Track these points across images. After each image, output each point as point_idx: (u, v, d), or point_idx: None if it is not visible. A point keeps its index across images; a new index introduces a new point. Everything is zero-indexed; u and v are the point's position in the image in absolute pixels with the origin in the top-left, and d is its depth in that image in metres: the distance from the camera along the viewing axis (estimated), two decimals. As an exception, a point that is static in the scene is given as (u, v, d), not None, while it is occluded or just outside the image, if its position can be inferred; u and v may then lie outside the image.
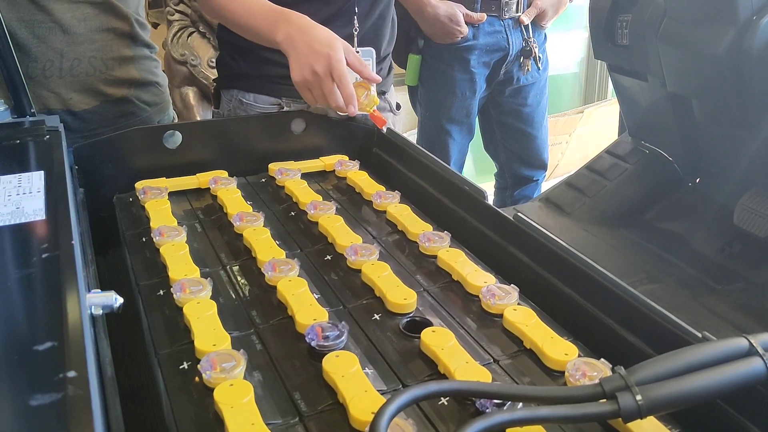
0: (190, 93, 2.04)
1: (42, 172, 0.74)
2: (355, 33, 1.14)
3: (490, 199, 0.92)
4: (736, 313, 0.99)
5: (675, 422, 0.57)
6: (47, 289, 0.53)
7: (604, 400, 0.52)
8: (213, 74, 2.01)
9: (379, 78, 1.03)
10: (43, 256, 0.57)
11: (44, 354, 0.45)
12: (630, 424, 0.54)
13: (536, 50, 1.81)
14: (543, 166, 1.99)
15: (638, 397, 0.50)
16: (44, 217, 0.64)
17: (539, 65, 1.85)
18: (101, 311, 0.58)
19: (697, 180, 1.34)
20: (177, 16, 2.02)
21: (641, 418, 0.51)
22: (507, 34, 1.78)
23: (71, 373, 0.43)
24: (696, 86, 1.14)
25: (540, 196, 1.54)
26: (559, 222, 1.34)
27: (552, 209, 1.39)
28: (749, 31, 0.98)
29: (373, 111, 1.06)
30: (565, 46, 2.99)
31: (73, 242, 0.59)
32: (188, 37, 2.02)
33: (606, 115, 2.79)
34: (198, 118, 2.03)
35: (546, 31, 1.92)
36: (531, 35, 1.81)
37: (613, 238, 1.27)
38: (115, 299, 0.62)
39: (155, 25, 2.47)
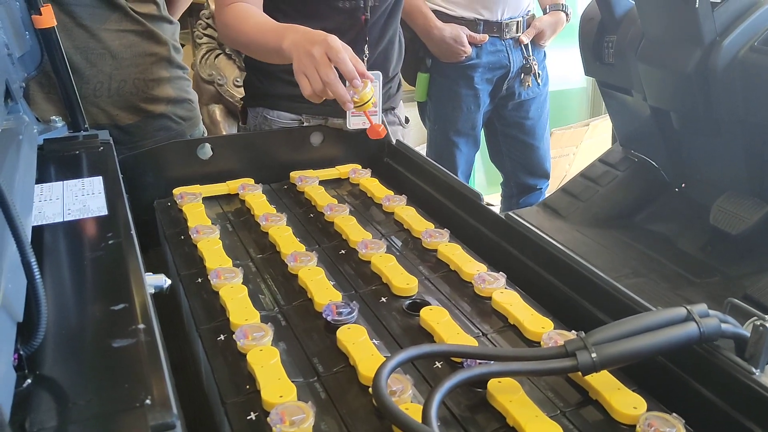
0: (217, 110, 2.19)
1: (100, 177, 0.87)
2: (365, 59, 1.26)
3: (497, 208, 1.03)
4: (711, 302, 1.08)
5: (634, 382, 0.67)
6: (115, 266, 0.66)
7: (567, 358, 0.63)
8: (238, 93, 2.16)
9: (371, 76, 1.02)
10: (110, 242, 0.70)
11: (119, 312, 0.57)
12: (589, 379, 0.65)
13: (536, 67, 1.93)
14: (545, 175, 2.10)
15: (593, 354, 0.62)
16: (106, 213, 0.77)
17: (539, 81, 1.97)
18: (153, 290, 0.71)
19: (683, 185, 1.44)
20: (205, 39, 2.17)
21: (596, 372, 0.62)
22: (508, 53, 1.91)
23: (141, 325, 0.55)
24: (671, 100, 1.26)
25: (539, 202, 1.65)
26: (555, 224, 1.45)
27: (549, 213, 1.50)
28: (713, 51, 1.09)
29: (369, 115, 1.05)
30: (572, 61, 3.09)
31: (132, 232, 0.72)
32: (215, 59, 2.17)
33: (610, 128, 2.90)
34: (224, 133, 2.17)
35: (548, 48, 2.04)
36: (531, 53, 1.93)
37: (604, 238, 1.38)
38: (165, 280, 0.74)
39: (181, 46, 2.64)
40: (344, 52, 0.96)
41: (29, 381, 0.48)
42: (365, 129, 1.20)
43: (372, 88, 1.01)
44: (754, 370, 0.60)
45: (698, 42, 1.13)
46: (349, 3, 1.23)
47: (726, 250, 1.22)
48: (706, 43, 1.12)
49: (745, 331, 0.63)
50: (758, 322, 0.61)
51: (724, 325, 0.63)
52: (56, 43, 1.01)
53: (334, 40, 0.97)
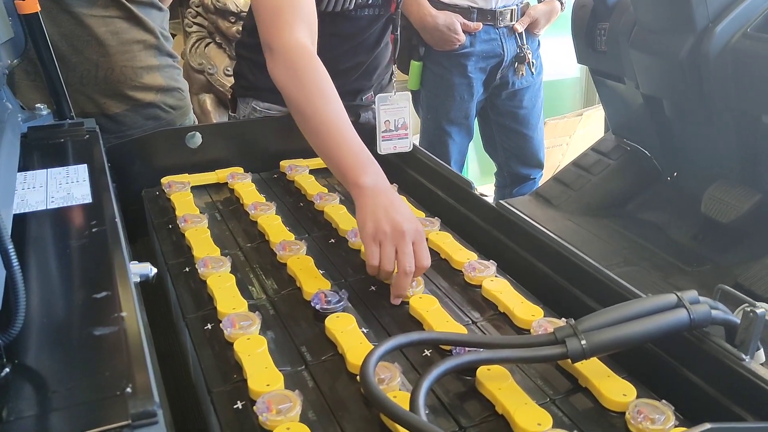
0: (207, 99, 2.17)
1: (85, 165, 0.86)
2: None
3: (490, 198, 1.01)
4: (702, 291, 1.09)
5: (624, 369, 0.67)
6: (98, 254, 0.64)
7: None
8: (229, 82, 2.14)
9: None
10: (93, 230, 0.69)
11: (101, 300, 0.56)
12: (579, 367, 0.65)
13: (530, 56, 1.92)
14: (539, 165, 2.09)
15: (583, 342, 0.61)
16: (91, 201, 0.75)
17: (533, 70, 1.95)
18: (138, 279, 0.70)
19: (675, 174, 1.44)
20: (195, 27, 2.15)
21: (586, 359, 0.62)
22: (502, 42, 1.89)
23: (123, 313, 0.54)
24: (664, 88, 1.25)
25: (531, 192, 1.65)
26: (547, 214, 1.45)
27: (541, 202, 1.50)
28: (706, 38, 1.08)
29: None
30: (567, 51, 3.09)
31: (116, 219, 0.71)
32: (205, 48, 2.15)
33: (603, 118, 2.90)
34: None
35: (542, 38, 2.03)
36: (525, 42, 1.91)
37: (596, 227, 1.37)
38: (150, 269, 0.73)
39: (171, 35, 2.62)
40: (426, 248, 0.84)
41: (7, 369, 0.47)
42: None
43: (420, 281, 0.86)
44: (743, 356, 0.60)
45: (691, 28, 1.12)
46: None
47: (717, 238, 1.22)
48: (698, 30, 1.11)
49: (736, 317, 0.62)
50: (748, 309, 0.60)
51: (714, 312, 0.62)
52: (40, 30, 0.99)
53: (423, 232, 0.85)
